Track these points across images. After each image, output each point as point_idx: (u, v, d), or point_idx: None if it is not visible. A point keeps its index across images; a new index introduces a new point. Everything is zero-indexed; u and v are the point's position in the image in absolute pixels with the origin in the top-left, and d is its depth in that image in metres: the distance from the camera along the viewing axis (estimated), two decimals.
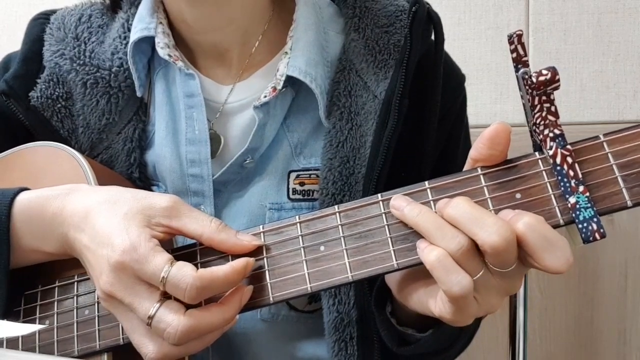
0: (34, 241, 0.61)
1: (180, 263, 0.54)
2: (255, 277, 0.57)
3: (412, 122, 0.71)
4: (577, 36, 1.28)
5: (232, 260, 0.57)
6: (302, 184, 0.73)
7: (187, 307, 0.55)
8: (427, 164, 0.74)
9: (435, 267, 0.51)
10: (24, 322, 0.64)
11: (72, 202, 0.59)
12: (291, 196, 0.73)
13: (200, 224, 0.57)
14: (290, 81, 0.71)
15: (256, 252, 0.58)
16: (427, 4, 0.74)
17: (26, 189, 0.63)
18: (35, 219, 0.60)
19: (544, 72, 0.51)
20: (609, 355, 1.28)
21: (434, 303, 0.55)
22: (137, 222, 0.56)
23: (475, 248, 0.51)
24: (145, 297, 0.54)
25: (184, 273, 0.53)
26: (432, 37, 0.75)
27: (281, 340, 0.75)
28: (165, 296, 0.55)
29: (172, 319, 0.53)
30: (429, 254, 0.52)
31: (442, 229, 0.52)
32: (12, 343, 0.64)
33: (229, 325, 0.57)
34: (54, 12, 0.80)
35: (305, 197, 0.73)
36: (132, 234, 0.55)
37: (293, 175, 0.73)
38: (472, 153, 0.55)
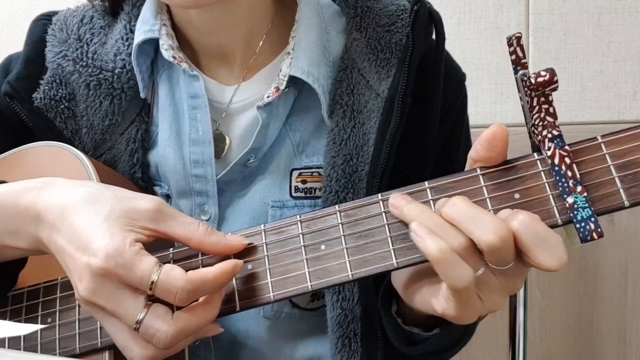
0: (5, 236, 0.59)
1: (168, 266, 0.53)
2: (256, 276, 0.58)
3: (414, 120, 0.72)
4: (577, 36, 1.28)
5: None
6: (304, 181, 0.73)
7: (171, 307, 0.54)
8: (429, 162, 0.75)
9: (440, 260, 0.51)
10: (25, 319, 0.65)
11: (46, 197, 0.56)
12: (293, 194, 0.73)
13: (188, 228, 0.56)
14: (293, 81, 0.71)
15: (257, 250, 0.58)
16: (428, 3, 0.75)
17: (3, 181, 0.62)
18: (7, 212, 0.58)
19: (543, 73, 0.51)
20: (609, 355, 1.28)
21: (436, 301, 0.55)
22: (120, 225, 0.53)
23: (474, 247, 0.52)
24: (131, 303, 0.53)
25: (174, 277, 0.52)
26: (433, 36, 0.75)
27: (284, 338, 0.75)
28: (150, 299, 0.54)
29: (162, 324, 0.53)
30: (431, 245, 0.51)
31: (441, 229, 0.52)
32: (14, 340, 0.64)
33: (213, 333, 0.58)
34: (55, 13, 0.80)
35: (308, 194, 0.73)
36: (116, 237, 0.53)
37: (295, 173, 0.74)
38: (471, 153, 0.56)
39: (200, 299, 0.56)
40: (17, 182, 0.60)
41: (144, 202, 0.56)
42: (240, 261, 0.56)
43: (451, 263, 0.51)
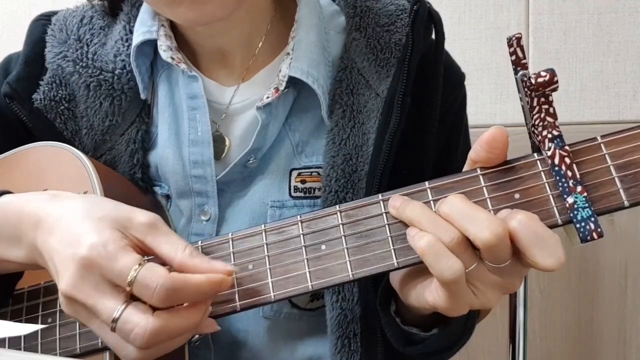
0: (5, 246, 0.59)
1: (152, 264, 0.52)
2: (257, 276, 0.58)
3: (413, 120, 0.72)
4: (577, 36, 1.28)
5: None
6: (303, 181, 0.73)
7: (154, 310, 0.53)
8: (428, 162, 0.75)
9: (426, 253, 0.52)
10: (26, 319, 0.65)
11: (49, 207, 0.57)
12: (293, 194, 0.73)
13: (174, 248, 0.55)
14: (292, 81, 0.71)
15: (258, 250, 0.58)
16: (428, 3, 0.75)
17: (8, 192, 0.62)
18: (10, 222, 0.59)
19: (543, 73, 0.51)
20: (609, 355, 1.28)
21: (428, 292, 0.55)
22: (111, 227, 0.54)
23: (467, 242, 0.52)
24: (109, 299, 0.52)
25: (155, 272, 0.51)
26: (433, 35, 0.75)
27: (283, 338, 0.75)
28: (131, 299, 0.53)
29: (140, 319, 0.51)
30: (419, 240, 0.52)
31: (434, 222, 0.52)
32: (14, 340, 0.64)
33: (210, 330, 0.57)
34: (54, 13, 0.80)
35: (307, 194, 0.73)
36: (104, 234, 0.53)
37: (295, 173, 0.74)
38: (471, 154, 0.56)
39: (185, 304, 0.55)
40: (25, 194, 0.60)
41: (141, 216, 0.56)
42: (230, 278, 0.55)
43: (437, 255, 0.51)
